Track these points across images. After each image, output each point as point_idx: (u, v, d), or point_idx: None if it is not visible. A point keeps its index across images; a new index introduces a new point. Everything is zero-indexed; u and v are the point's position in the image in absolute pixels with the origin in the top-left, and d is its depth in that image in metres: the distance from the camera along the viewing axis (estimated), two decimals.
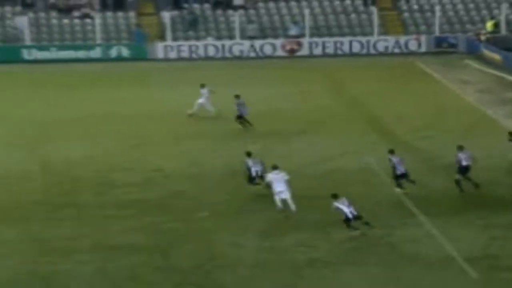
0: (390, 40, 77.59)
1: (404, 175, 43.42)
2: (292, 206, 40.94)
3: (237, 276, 35.25)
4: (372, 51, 77.03)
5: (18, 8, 79.96)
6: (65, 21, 79.56)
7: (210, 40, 77.13)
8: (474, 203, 42.48)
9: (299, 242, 38.33)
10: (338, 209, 38.56)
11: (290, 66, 72.83)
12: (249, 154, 44.24)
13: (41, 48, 76.41)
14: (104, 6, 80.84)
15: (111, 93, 63.05)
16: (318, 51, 77.00)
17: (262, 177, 42.79)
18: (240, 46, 76.86)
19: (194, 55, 76.48)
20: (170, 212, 41.27)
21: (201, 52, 76.72)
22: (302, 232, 39.35)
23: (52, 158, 48.99)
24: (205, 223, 40.03)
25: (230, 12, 79.97)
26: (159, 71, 72.13)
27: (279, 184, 41.04)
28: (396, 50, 77.00)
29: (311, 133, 52.71)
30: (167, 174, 46.13)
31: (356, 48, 77.12)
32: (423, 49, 77.11)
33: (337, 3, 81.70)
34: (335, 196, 38.79)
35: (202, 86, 57.59)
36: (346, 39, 77.57)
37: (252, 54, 76.57)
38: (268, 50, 76.90)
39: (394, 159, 43.56)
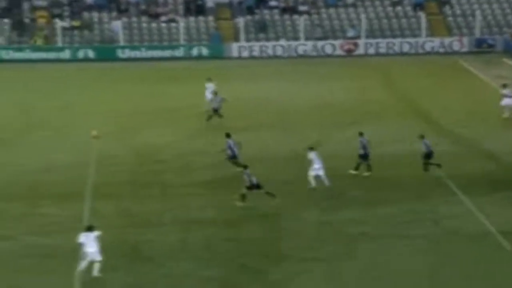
0: (436, 41, 76.86)
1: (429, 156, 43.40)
2: (326, 181, 41.04)
3: (298, 246, 35.10)
4: (420, 51, 76.30)
5: (114, 14, 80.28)
6: (154, 25, 79.73)
7: (281, 42, 76.82)
8: (508, 184, 41.87)
9: (352, 217, 38.14)
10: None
11: (347, 64, 72.35)
12: (228, 135, 44.10)
13: (133, 48, 76.62)
14: (187, 12, 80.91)
15: (192, 87, 63.03)
16: (372, 51, 76.42)
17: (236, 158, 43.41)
18: (304, 46, 76.52)
19: (264, 54, 76.27)
20: (236, 190, 41.10)
21: (270, 51, 76.47)
22: (354, 209, 39.14)
23: (142, 143, 49.04)
24: (271, 200, 39.83)
25: (295, 17, 79.66)
26: (233, 67, 71.98)
27: (317, 161, 41.24)
28: (441, 50, 76.20)
29: (365, 122, 52.21)
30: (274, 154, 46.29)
31: (405, 48, 76.46)
32: (465, 49, 76.24)
33: (389, 9, 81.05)
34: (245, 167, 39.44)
35: (209, 80, 56.70)
36: (397, 40, 76.92)
37: (314, 53, 76.22)
38: (328, 49, 76.48)
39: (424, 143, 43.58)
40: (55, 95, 61.60)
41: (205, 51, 76.40)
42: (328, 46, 76.63)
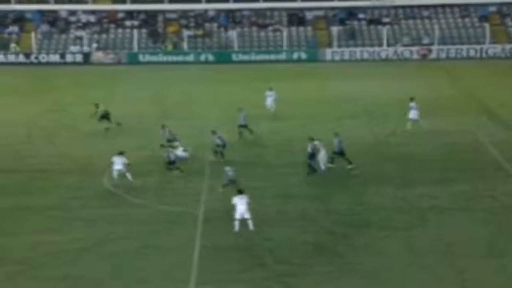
0: (498, 48, 75.43)
1: None
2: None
3: (378, 217, 35.09)
4: (483, 55, 75.01)
5: (230, 24, 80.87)
6: (262, 33, 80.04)
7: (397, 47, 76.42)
8: None
9: (424, 193, 37.90)
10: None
11: (422, 67, 71.53)
12: (214, 132, 43.30)
13: (244, 53, 77.06)
14: (290, 23, 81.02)
15: (292, 84, 63.22)
16: (443, 55, 75.32)
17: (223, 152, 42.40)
18: (386, 51, 75.96)
19: (352, 58, 75.94)
20: (330, 170, 41.16)
21: (358, 56, 76.10)
22: (426, 185, 38.91)
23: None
24: (356, 178, 39.85)
25: (379, 27, 79.09)
26: (327, 69, 71.86)
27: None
28: (502, 55, 74.77)
29: (437, 114, 51.75)
30: (328, 143, 46.08)
31: (471, 53, 75.20)
32: None
33: (459, 20, 79.89)
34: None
35: (270, 89, 54.10)
36: (464, 47, 75.71)
37: (395, 57, 75.57)
38: (406, 54, 75.77)
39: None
40: (182, 91, 62.42)
41: (303, 55, 76.38)
42: (406, 52, 75.92)
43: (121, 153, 39.51)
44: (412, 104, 49.43)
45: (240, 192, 33.26)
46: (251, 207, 33.40)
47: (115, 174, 39.24)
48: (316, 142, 40.89)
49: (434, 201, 36.78)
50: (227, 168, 37.99)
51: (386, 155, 43.76)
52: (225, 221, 33.67)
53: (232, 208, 33.07)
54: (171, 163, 40.96)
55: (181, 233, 33.08)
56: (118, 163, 39.14)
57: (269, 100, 53.69)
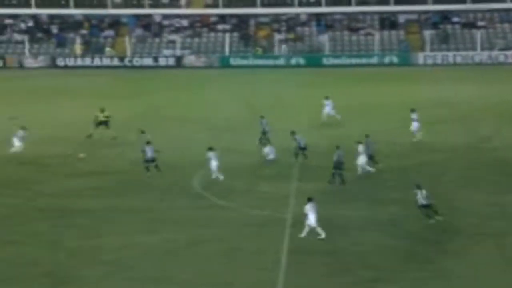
0: None
1: None
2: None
3: (470, 223, 34.22)
4: None
5: (322, 28, 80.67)
6: (354, 37, 79.59)
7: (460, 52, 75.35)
8: None
9: None
10: None
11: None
12: (293, 133, 42.66)
13: (335, 57, 76.77)
14: (382, 27, 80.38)
15: (384, 88, 62.61)
16: None
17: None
18: (480, 55, 74.65)
19: (445, 62, 74.86)
20: (420, 175, 40.43)
21: (451, 59, 75.01)
22: None
23: (338, 134, 48.70)
24: (448, 184, 39.10)
25: (474, 30, 77.78)
26: (419, 73, 71.06)
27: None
28: None
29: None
30: (419, 147, 45.36)
31: None
32: None
33: None
34: None
35: (327, 98, 52.34)
36: None
37: (489, 61, 74.19)
38: (501, 58, 74.33)
39: None
40: (272, 94, 62.43)
41: (395, 59, 75.69)
42: (501, 56, 74.39)
43: (211, 149, 39.96)
44: (413, 115, 47.18)
45: (310, 200, 32.62)
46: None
47: (214, 167, 39.65)
48: (359, 147, 40.29)
49: None
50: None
51: (479, 160, 42.83)
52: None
53: (305, 216, 32.49)
54: (148, 161, 40.82)
55: (268, 237, 32.90)
56: (214, 158, 39.56)
57: (327, 109, 52.20)
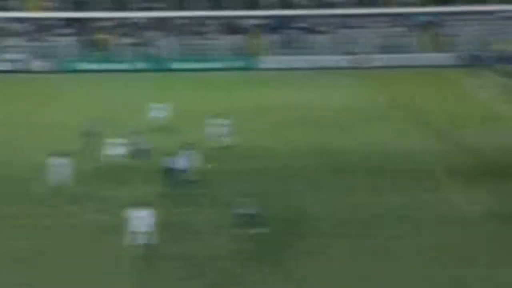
0: (433, 56, 76.43)
1: None
2: None
3: (319, 225, 34.49)
4: (419, 64, 75.40)
5: (165, 32, 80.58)
6: (197, 41, 80.00)
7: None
8: (488, 176, 41.46)
9: (365, 201, 37.59)
10: None
11: (359, 75, 72.09)
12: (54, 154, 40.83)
13: (179, 61, 77.03)
14: (225, 31, 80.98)
15: (227, 93, 62.93)
16: (380, 63, 76.01)
17: None
18: (322, 60, 76.45)
19: (288, 66, 76.03)
20: (266, 179, 40.61)
21: (294, 64, 76.28)
22: (366, 192, 38.88)
23: (173, 139, 48.48)
24: (297, 188, 39.54)
25: (315, 36, 79.73)
26: (262, 77, 71.90)
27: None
28: (436, 64, 75.58)
29: (369, 125, 52.22)
30: (265, 152, 45.98)
31: (407, 62, 75.51)
32: None
33: (395, 29, 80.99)
34: None
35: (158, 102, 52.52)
36: (400, 56, 76.60)
37: (331, 66, 75.61)
38: (344, 63, 76.30)
39: None
40: (110, 98, 61.74)
41: (238, 64, 76.51)
42: (343, 60, 76.43)
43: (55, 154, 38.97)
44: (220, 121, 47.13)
45: (141, 205, 31.10)
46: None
47: (58, 173, 38.77)
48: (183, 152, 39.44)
49: (375, 210, 36.61)
50: None
51: (328, 164, 43.85)
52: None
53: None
54: None
55: (111, 244, 32.06)
56: (58, 164, 38.54)
57: (157, 114, 51.64)
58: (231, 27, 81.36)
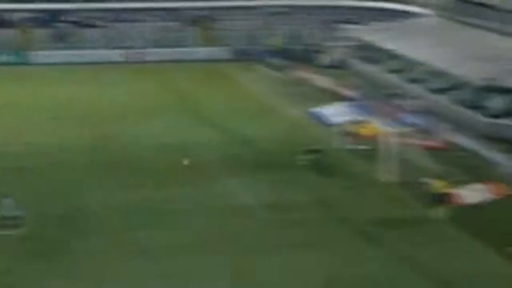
0: (207, 51, 77.50)
1: None
2: None
3: (95, 219, 34.86)
4: (194, 58, 76.61)
5: None
6: None
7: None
8: (263, 166, 43.18)
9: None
10: None
11: (133, 70, 72.18)
12: None
13: None
14: None
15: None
16: (155, 58, 76.16)
17: None
18: (96, 55, 75.70)
19: (60, 61, 74.72)
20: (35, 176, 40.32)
21: (66, 59, 74.87)
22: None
23: None
24: (70, 183, 39.39)
25: (88, 29, 78.90)
26: (33, 73, 70.48)
27: None
28: (212, 58, 76.81)
29: (149, 117, 52.33)
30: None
31: (182, 56, 76.56)
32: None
33: (169, 23, 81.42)
34: None
35: None
36: (175, 50, 77.21)
37: (104, 61, 75.12)
38: (116, 57, 75.99)
39: None
40: None
41: (11, 58, 74.38)
42: (115, 55, 76.01)
43: None
44: None
45: None
46: None
47: None
48: None
49: (161, 204, 37.07)
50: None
51: (104, 159, 43.79)
52: None
53: None
54: None
55: None
56: None
57: None
58: (0, 21, 78.95)
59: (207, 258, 31.00)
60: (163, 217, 35.41)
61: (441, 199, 35.20)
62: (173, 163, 43.08)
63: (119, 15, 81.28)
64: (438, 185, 35.47)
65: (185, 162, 42.64)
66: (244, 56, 75.83)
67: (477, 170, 41.47)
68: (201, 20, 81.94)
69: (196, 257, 31.18)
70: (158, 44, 78.32)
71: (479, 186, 38.32)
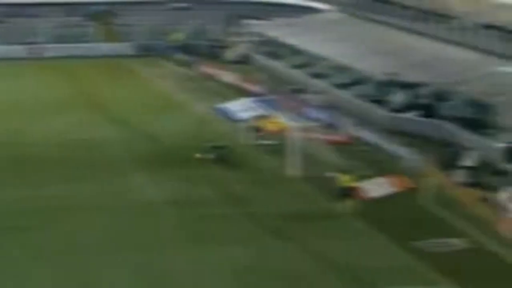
0: (108, 46, 76.63)
1: None
2: None
3: None
4: (96, 54, 75.54)
5: None
6: None
7: None
8: (169, 161, 43.10)
9: (51, 193, 37.38)
10: None
11: (35, 66, 70.94)
12: None
13: None
14: None
15: None
16: (55, 54, 75.00)
17: None
18: None
19: None
20: None
21: None
22: (54, 185, 38.52)
23: None
24: None
25: None
26: None
27: None
28: (113, 54, 75.90)
29: (58, 113, 51.70)
30: None
31: (83, 52, 75.36)
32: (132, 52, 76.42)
33: (67, 18, 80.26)
34: None
35: None
36: (76, 45, 76.08)
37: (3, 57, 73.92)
38: (15, 53, 74.61)
39: None
40: None
41: None
42: (13, 50, 74.55)
43: None
44: None
45: None
46: None
47: None
48: None
49: (64, 201, 36.61)
50: None
51: (7, 156, 42.99)
52: None
53: None
54: None
55: None
56: None
57: None
58: None
59: (107, 257, 30.59)
60: (63, 215, 34.82)
61: (347, 193, 35.64)
62: (79, 160, 42.59)
63: (20, 11, 79.74)
64: (344, 179, 35.91)
65: (197, 155, 42.47)
66: (148, 52, 75.40)
67: (380, 164, 42.20)
68: (103, 15, 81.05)
69: (95, 256, 30.70)
70: (60, 40, 77.16)
71: (382, 180, 39.00)
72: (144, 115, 52.51)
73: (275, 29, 69.93)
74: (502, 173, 38.31)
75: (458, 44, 55.48)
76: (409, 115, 48.56)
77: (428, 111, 47.50)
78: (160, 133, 48.26)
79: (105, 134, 47.64)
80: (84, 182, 39.20)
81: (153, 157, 43.53)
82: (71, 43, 76.56)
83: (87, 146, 45.31)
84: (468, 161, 39.65)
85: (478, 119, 45.38)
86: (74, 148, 44.82)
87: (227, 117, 51.74)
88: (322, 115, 50.24)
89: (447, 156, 40.77)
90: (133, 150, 44.81)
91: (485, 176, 39.02)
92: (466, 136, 43.59)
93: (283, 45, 66.47)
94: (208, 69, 65.71)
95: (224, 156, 42.45)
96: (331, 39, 62.75)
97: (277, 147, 43.58)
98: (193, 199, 37.15)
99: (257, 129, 47.23)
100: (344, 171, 36.87)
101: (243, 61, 69.73)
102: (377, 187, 38.13)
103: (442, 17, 58.98)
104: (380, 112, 50.09)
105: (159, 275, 29.13)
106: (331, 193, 36.53)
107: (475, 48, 53.54)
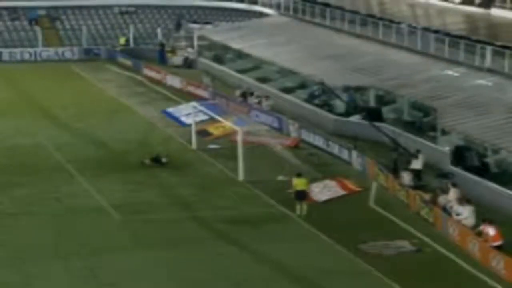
0: (51, 50, 75.28)
1: None
2: None
3: None
4: (38, 58, 74.17)
5: None
6: None
7: None
8: (115, 166, 42.56)
9: None
10: None
11: None
12: None
13: None
14: None
15: None
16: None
17: None
18: None
19: None
20: None
21: None
22: None
23: None
24: None
25: None
26: None
27: None
28: (56, 58, 74.69)
29: None
30: None
31: (26, 56, 74.08)
32: (76, 57, 75.34)
33: (9, 23, 78.89)
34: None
35: None
36: (18, 50, 74.76)
37: None
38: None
39: None
40: None
41: None
42: None
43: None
44: None
45: None
46: None
47: None
48: None
49: (1, 207, 36.00)
50: None
51: None
52: None
53: None
54: None
55: None
56: None
57: None
58: None
59: (50, 263, 30.12)
60: (1, 221, 34.12)
61: (301, 196, 35.47)
62: (21, 166, 41.92)
63: None
64: (297, 183, 35.72)
65: (146, 161, 41.95)
66: (93, 56, 74.50)
67: (327, 167, 42.15)
68: (46, 20, 79.86)
69: (38, 262, 30.15)
70: (6, 44, 75.95)
71: (330, 183, 38.96)
72: (91, 120, 51.80)
73: (221, 33, 69.70)
74: (446, 175, 38.50)
75: (402, 48, 55.75)
76: (353, 118, 48.57)
77: (373, 115, 47.54)
78: (107, 138, 47.66)
79: (51, 139, 46.86)
80: (26, 188, 38.49)
81: (99, 162, 42.96)
82: (14, 47, 75.33)
83: (31, 151, 44.54)
84: (413, 164, 39.78)
85: (422, 122, 45.62)
86: (16, 154, 44.03)
87: (174, 121, 51.33)
88: (269, 119, 50.10)
89: (393, 159, 40.87)
90: (79, 155, 44.17)
91: (431, 179, 39.23)
92: (411, 139, 43.73)
93: (228, 49, 66.26)
94: (154, 73, 65.16)
95: (170, 161, 42.00)
96: (276, 43, 62.67)
97: (224, 151, 43.27)
98: (138, 204, 36.74)
99: (204, 133, 46.90)
100: (291, 175, 36.74)
101: (189, 65, 69.33)
102: (325, 190, 38.08)
103: (387, 21, 59.25)
104: (325, 116, 50.08)
105: (101, 280, 28.73)
106: (279, 196, 36.39)
107: (420, 52, 53.82)
